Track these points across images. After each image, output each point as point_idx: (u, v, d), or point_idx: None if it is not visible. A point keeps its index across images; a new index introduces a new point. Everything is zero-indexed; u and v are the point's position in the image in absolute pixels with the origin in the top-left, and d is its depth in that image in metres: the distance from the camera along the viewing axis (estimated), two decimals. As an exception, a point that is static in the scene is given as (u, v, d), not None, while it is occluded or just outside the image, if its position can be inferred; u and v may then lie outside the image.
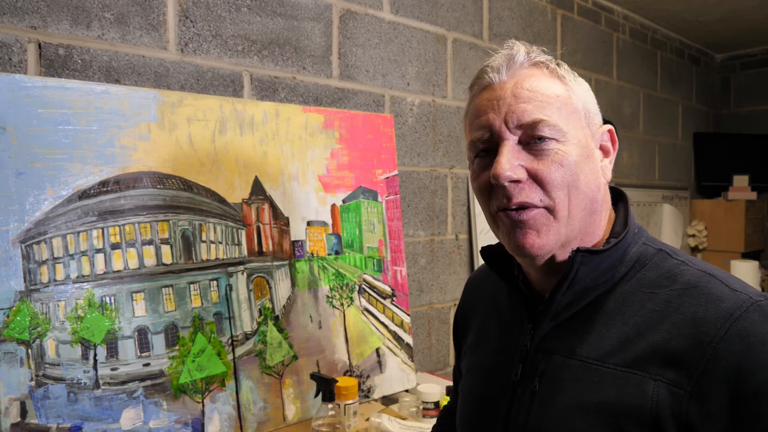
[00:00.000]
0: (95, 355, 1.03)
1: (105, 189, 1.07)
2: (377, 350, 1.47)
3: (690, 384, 0.56)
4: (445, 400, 1.35)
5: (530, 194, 0.64)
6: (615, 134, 0.72)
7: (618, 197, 0.75)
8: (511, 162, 0.64)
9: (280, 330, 1.29)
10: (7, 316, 0.95)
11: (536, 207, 0.64)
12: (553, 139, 0.64)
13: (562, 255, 0.67)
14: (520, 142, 0.65)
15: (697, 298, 0.60)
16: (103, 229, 1.06)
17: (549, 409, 0.65)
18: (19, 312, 0.97)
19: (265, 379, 1.24)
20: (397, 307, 1.54)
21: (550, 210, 0.64)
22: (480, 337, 0.82)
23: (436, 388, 1.39)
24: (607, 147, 0.72)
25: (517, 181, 0.64)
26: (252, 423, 1.20)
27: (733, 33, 3.08)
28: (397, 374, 1.51)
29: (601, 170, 0.70)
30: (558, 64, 0.70)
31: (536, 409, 0.67)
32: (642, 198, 2.80)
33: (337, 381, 1.13)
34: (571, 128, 0.66)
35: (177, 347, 1.12)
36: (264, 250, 1.29)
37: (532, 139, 0.64)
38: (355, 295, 1.45)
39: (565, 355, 0.66)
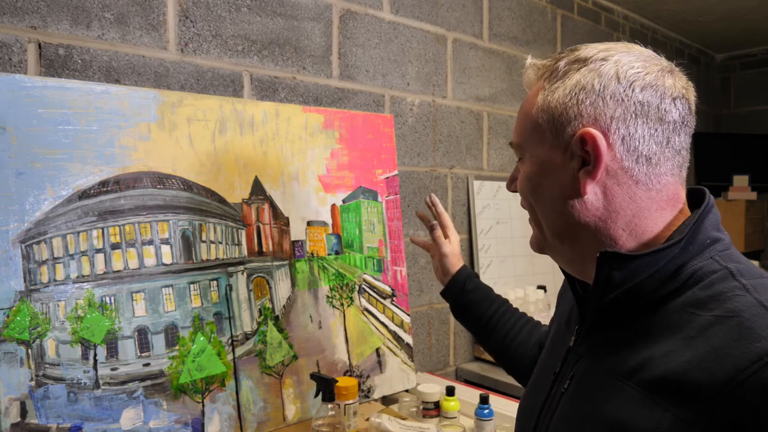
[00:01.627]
0: (95, 355, 1.03)
1: (105, 189, 1.07)
2: (377, 350, 1.47)
3: (697, 423, 0.51)
4: (445, 400, 1.35)
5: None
6: (597, 139, 0.61)
7: (700, 201, 0.66)
8: (511, 176, 0.75)
9: (280, 330, 1.29)
10: (7, 316, 0.95)
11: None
12: (520, 158, 0.71)
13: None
14: None
15: (732, 330, 0.53)
16: (103, 229, 1.06)
17: (569, 413, 0.66)
18: (19, 312, 0.97)
19: (265, 379, 1.24)
20: (397, 307, 1.54)
21: (532, 217, 0.73)
22: (557, 320, 0.87)
23: (436, 388, 1.39)
24: (588, 153, 0.62)
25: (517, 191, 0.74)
26: (252, 423, 1.20)
27: (733, 33, 3.08)
28: (397, 374, 1.51)
29: (578, 181, 0.63)
30: (555, 65, 0.66)
31: (560, 409, 0.68)
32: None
33: (337, 381, 1.13)
34: (531, 146, 0.68)
35: (177, 347, 1.12)
36: (264, 250, 1.29)
37: None
38: (355, 295, 1.45)
39: (593, 362, 0.66)
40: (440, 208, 1.18)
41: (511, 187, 0.75)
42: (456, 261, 1.14)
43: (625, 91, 0.61)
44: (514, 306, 1.16)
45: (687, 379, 0.53)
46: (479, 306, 1.09)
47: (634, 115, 0.61)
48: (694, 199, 0.68)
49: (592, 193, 0.63)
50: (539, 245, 0.73)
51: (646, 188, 0.63)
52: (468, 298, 1.10)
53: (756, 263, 2.85)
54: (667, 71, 0.64)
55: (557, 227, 0.68)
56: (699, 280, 0.59)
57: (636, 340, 0.61)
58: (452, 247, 1.15)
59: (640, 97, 0.61)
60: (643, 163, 0.62)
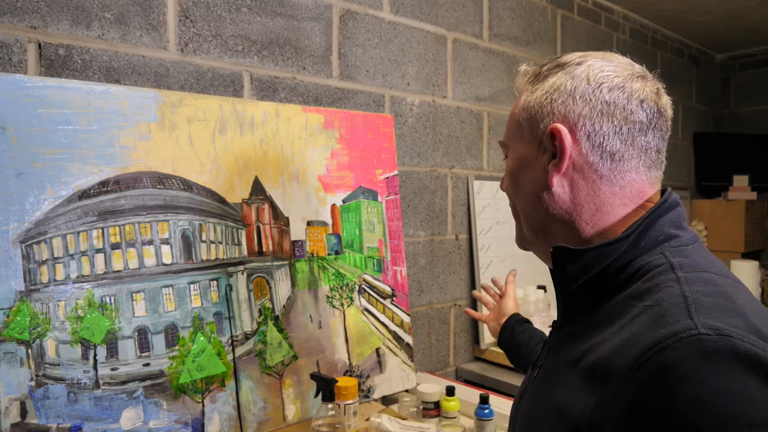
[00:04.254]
0: (95, 355, 1.03)
1: (105, 189, 1.07)
2: (377, 350, 1.47)
3: (612, 405, 0.53)
4: (445, 400, 1.35)
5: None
6: (562, 133, 0.66)
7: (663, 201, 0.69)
8: (504, 174, 0.79)
9: (280, 330, 1.29)
10: (7, 316, 0.95)
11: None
12: (506, 155, 0.77)
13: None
14: None
15: (650, 317, 0.55)
16: (103, 229, 1.06)
17: (532, 398, 0.72)
18: (19, 312, 0.97)
19: (265, 379, 1.24)
20: (397, 307, 1.54)
21: (513, 213, 0.78)
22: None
23: (436, 388, 1.39)
24: (556, 149, 0.67)
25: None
26: (252, 423, 1.20)
27: (733, 33, 3.08)
28: (397, 374, 1.51)
29: (548, 173, 0.67)
30: (539, 71, 0.72)
31: (528, 395, 0.74)
32: (642, 198, 2.80)
33: (337, 381, 1.13)
34: (513, 143, 0.74)
35: (177, 347, 1.12)
36: (264, 250, 1.29)
37: None
38: (355, 295, 1.45)
39: (555, 352, 0.71)
40: (501, 283, 1.35)
41: (503, 185, 0.81)
42: (511, 308, 1.27)
43: (593, 91, 0.66)
44: None
45: (609, 364, 0.56)
46: (528, 346, 1.14)
47: (600, 114, 0.66)
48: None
49: (559, 185, 0.68)
50: (521, 241, 0.78)
51: (610, 183, 0.67)
52: (518, 339, 1.17)
53: (756, 263, 2.80)
54: (638, 76, 0.69)
55: (532, 221, 0.73)
56: (644, 273, 0.62)
57: (586, 331, 0.65)
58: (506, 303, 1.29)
59: (607, 98, 0.66)
60: (607, 159, 0.66)
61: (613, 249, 0.64)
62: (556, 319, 0.90)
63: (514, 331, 1.18)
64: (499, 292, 1.34)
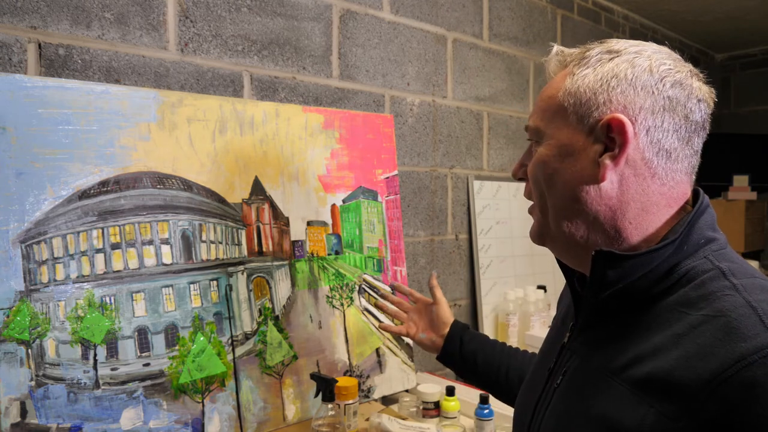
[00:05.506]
0: (95, 355, 1.03)
1: (105, 189, 1.07)
2: (377, 350, 1.47)
3: (680, 420, 0.52)
4: (445, 400, 1.35)
5: (529, 190, 0.72)
6: (625, 125, 0.61)
7: (695, 200, 0.67)
8: (519, 162, 0.73)
9: (280, 330, 1.29)
10: (7, 316, 0.95)
11: (532, 201, 0.72)
12: (536, 141, 0.70)
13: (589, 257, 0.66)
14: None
15: (719, 329, 0.53)
16: (103, 229, 1.06)
17: (560, 408, 0.67)
18: (19, 312, 0.97)
19: (265, 379, 1.24)
20: (397, 307, 1.54)
21: (537, 204, 0.71)
22: (556, 318, 0.87)
23: (436, 388, 1.39)
24: (612, 140, 0.63)
25: (524, 179, 0.72)
26: (252, 423, 1.20)
27: (733, 33, 3.08)
28: (397, 374, 1.51)
29: (599, 166, 0.63)
30: (586, 53, 0.67)
31: (552, 405, 0.69)
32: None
33: (337, 381, 1.13)
34: (552, 129, 0.67)
35: (177, 347, 1.12)
36: (264, 250, 1.29)
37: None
38: (355, 295, 1.45)
39: (585, 358, 0.67)
40: (405, 289, 1.21)
41: (519, 173, 0.73)
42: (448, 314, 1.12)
43: (656, 84, 0.62)
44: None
45: (673, 377, 0.53)
46: (484, 352, 1.05)
47: (662, 109, 0.62)
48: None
49: (609, 180, 0.63)
50: (541, 235, 0.72)
51: (660, 183, 0.64)
52: (469, 348, 1.06)
53: (756, 263, 2.82)
54: (694, 74, 0.66)
55: (565, 214, 0.67)
56: (691, 279, 0.60)
57: (627, 337, 0.62)
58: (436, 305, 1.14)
59: (669, 93, 0.62)
60: (662, 157, 0.63)
61: (659, 254, 0.61)
62: (556, 319, 0.87)
63: (464, 341, 1.06)
64: (412, 300, 1.18)
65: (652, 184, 0.63)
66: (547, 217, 0.69)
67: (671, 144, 0.63)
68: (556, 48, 0.71)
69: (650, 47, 0.66)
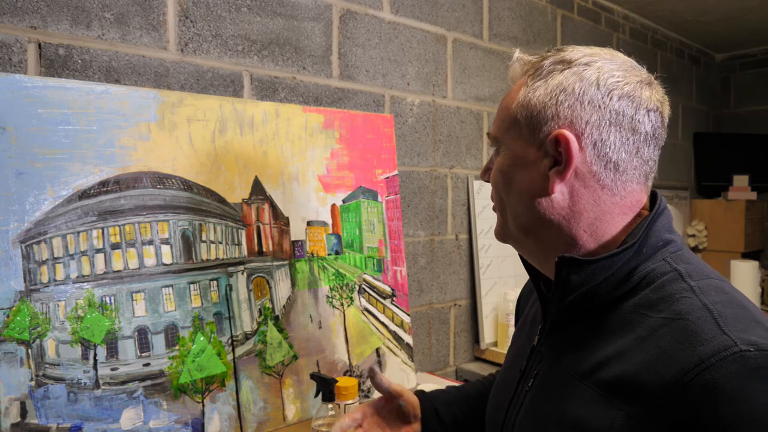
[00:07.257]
0: (95, 355, 1.03)
1: (105, 189, 1.07)
2: (377, 350, 1.47)
3: (647, 423, 0.53)
4: (445, 400, 1.35)
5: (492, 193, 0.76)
6: (570, 142, 0.63)
7: (653, 202, 0.69)
8: (486, 166, 0.77)
9: (280, 330, 1.29)
10: (7, 316, 0.95)
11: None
12: (497, 149, 0.73)
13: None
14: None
15: (678, 333, 0.55)
16: (103, 229, 1.06)
17: (533, 411, 0.69)
18: (19, 312, 0.97)
19: (265, 379, 1.24)
20: (397, 307, 1.54)
21: (498, 207, 0.75)
22: (522, 322, 0.88)
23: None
24: (561, 154, 0.64)
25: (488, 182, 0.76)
26: (252, 423, 1.20)
27: (733, 33, 3.08)
28: (397, 374, 1.51)
29: (548, 179, 0.65)
30: (540, 63, 0.68)
31: (525, 407, 0.70)
32: (642, 198, 2.80)
33: (337, 381, 1.13)
34: (508, 139, 0.70)
35: (177, 347, 1.12)
36: (264, 250, 1.29)
37: None
38: (355, 295, 1.45)
39: (554, 361, 0.68)
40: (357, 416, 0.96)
41: (485, 177, 0.77)
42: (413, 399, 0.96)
43: (603, 98, 0.64)
44: None
45: (638, 380, 0.55)
46: (460, 407, 0.96)
47: (608, 123, 0.64)
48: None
49: (559, 192, 0.66)
50: (503, 235, 0.75)
51: (611, 193, 0.65)
52: (447, 413, 0.95)
53: (756, 263, 2.81)
54: (646, 83, 0.67)
55: (523, 221, 0.70)
56: (651, 281, 0.62)
57: (592, 340, 0.63)
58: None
59: (616, 106, 0.64)
60: (611, 170, 0.65)
61: (619, 258, 0.63)
62: (525, 317, 0.87)
63: (439, 411, 0.95)
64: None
65: (602, 194, 0.65)
66: (507, 221, 0.73)
67: (619, 156, 0.64)
68: (516, 55, 0.73)
69: (603, 56, 0.67)
